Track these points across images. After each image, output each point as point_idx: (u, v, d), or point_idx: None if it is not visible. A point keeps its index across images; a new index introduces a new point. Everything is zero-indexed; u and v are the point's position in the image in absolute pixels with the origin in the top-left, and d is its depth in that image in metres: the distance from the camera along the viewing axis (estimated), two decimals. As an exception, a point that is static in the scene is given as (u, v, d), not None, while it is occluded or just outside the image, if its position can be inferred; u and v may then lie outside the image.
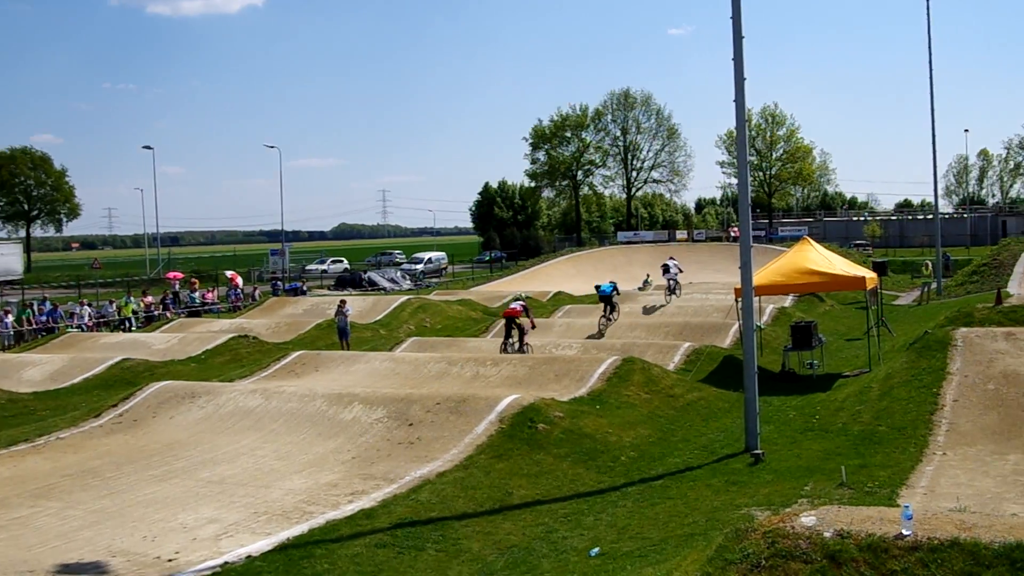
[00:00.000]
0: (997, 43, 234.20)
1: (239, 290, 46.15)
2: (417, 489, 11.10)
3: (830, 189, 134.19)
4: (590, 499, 11.04)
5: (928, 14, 38.51)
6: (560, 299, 40.32)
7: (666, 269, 34.48)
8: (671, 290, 34.27)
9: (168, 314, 38.42)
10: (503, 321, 23.59)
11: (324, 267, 77.64)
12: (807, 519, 6.83)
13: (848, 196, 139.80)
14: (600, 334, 26.28)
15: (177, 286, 46.52)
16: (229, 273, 50.33)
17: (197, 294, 42.56)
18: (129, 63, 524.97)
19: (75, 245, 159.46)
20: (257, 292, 47.20)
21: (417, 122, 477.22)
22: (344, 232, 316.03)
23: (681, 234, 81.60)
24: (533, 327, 23.39)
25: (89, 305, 38.51)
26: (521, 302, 23.88)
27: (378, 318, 32.77)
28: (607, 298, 27.55)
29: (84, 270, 79.14)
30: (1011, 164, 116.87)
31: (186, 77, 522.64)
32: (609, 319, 27.43)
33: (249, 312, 38.37)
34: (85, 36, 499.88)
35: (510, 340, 22.55)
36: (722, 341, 23.35)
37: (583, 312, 31.81)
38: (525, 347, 22.42)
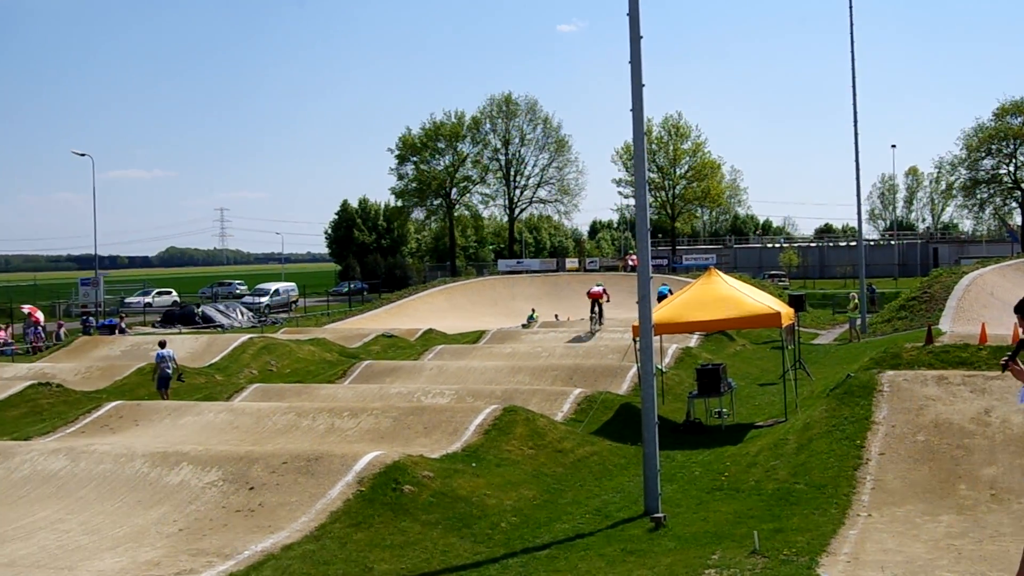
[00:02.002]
0: (926, 50, 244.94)
1: (40, 328, 44.92)
2: (258, 566, 10.88)
3: (741, 211, 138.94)
4: (464, 573, 10.98)
5: (851, 15, 40.20)
6: (431, 338, 40.32)
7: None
8: None
9: (-51, 357, 36.96)
10: (588, 303, 36.36)
11: (148, 300, 75.81)
12: (714, 593, 6.94)
13: (762, 220, 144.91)
14: None
15: (-40, 323, 44.84)
16: (27, 307, 48.63)
17: (-14, 333, 41.06)
18: None
19: None
20: (63, 330, 46.02)
21: (262, 128, 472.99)
22: (173, 258, 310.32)
23: (572, 262, 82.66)
24: (608, 300, 35.48)
25: None
26: (601, 285, 35.02)
27: (214, 361, 32.22)
28: (663, 298, 36.50)
29: None
30: (942, 184, 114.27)
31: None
32: None
33: (52, 354, 37.35)
34: None
35: (593, 316, 33.34)
36: (618, 387, 23.64)
37: (458, 353, 31.80)
38: (603, 321, 33.54)
